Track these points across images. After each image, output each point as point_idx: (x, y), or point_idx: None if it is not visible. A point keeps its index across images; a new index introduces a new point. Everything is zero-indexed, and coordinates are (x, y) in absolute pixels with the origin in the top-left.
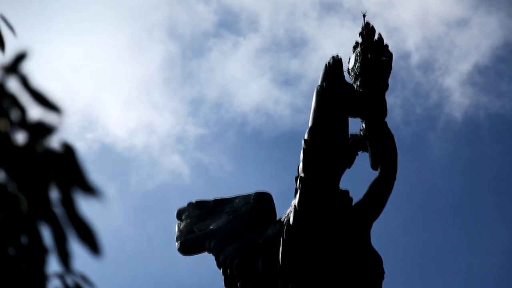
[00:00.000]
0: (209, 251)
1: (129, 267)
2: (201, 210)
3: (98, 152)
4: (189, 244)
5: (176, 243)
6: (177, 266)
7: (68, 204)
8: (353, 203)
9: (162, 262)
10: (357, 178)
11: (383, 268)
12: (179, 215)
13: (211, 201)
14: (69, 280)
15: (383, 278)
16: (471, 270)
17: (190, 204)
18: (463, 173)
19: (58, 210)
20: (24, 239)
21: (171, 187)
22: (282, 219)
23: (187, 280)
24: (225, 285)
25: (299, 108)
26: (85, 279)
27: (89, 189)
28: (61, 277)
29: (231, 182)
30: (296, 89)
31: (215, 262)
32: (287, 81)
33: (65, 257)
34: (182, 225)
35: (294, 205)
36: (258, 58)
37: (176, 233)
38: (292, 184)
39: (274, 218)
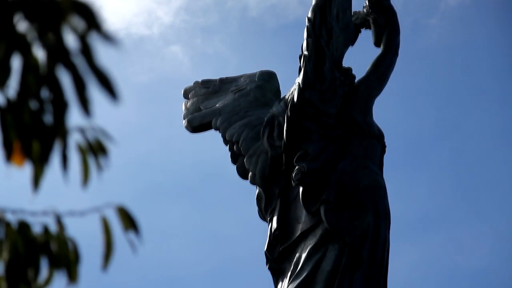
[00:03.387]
0: (216, 129)
1: (131, 148)
2: (207, 88)
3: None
4: (196, 121)
5: (183, 121)
6: (178, 144)
7: (87, 53)
8: (356, 80)
9: (163, 141)
10: (360, 56)
11: (384, 143)
12: (186, 94)
13: (216, 80)
14: (89, 134)
15: (384, 152)
16: (466, 147)
17: (196, 83)
18: (461, 54)
19: (78, 59)
20: (45, 93)
21: (171, 79)
22: (287, 96)
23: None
24: (232, 161)
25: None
26: (104, 133)
27: (106, 36)
28: (81, 131)
29: (232, 73)
30: None
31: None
32: None
33: (85, 104)
34: (188, 103)
35: (298, 83)
36: None
37: (183, 111)
38: (295, 74)
39: (279, 96)
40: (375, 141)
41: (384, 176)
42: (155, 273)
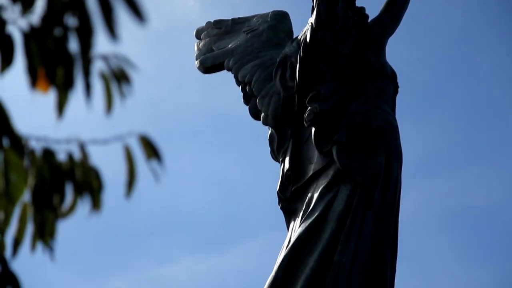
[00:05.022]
0: (228, 69)
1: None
2: (220, 29)
3: None
4: (208, 62)
5: (196, 62)
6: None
7: None
8: (369, 20)
9: (174, 86)
10: None
11: (397, 83)
12: (198, 35)
13: (229, 20)
14: (113, 62)
15: (397, 92)
16: (477, 88)
17: (208, 23)
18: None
19: None
20: (70, 20)
21: (182, 25)
22: (299, 37)
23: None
24: (244, 102)
25: None
26: (128, 62)
27: None
28: (105, 59)
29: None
30: None
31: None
32: None
33: (112, 27)
34: (201, 44)
35: (311, 23)
36: None
37: (196, 51)
38: (307, 14)
39: (291, 36)
40: (388, 81)
41: (396, 116)
42: (165, 216)
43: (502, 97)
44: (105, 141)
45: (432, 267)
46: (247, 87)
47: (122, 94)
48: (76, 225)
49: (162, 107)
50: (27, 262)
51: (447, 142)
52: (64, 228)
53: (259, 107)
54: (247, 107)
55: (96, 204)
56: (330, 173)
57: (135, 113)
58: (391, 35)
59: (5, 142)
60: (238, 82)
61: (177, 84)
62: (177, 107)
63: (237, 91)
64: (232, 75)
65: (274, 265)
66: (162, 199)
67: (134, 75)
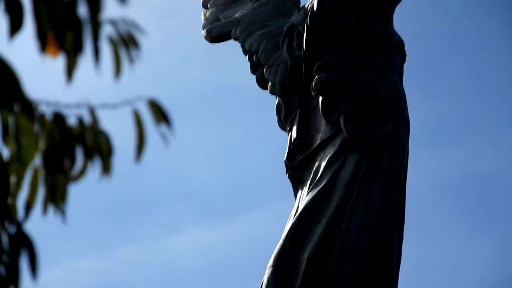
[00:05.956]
0: (235, 39)
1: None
2: None
3: None
4: (215, 31)
5: (203, 31)
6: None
7: None
8: None
9: (180, 58)
10: None
11: (405, 52)
12: (205, 4)
13: None
14: (121, 27)
15: (404, 61)
16: (484, 57)
17: None
18: None
19: None
20: None
21: None
22: (306, 5)
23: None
24: (251, 71)
25: None
26: (136, 26)
27: None
28: (113, 23)
29: None
30: None
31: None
32: None
33: None
34: (207, 13)
35: None
36: None
37: (202, 21)
38: None
39: (298, 5)
40: (395, 50)
41: (403, 85)
42: (172, 187)
43: (509, 65)
44: (114, 106)
45: (438, 235)
46: (254, 57)
47: (131, 59)
48: (85, 195)
49: (169, 79)
50: (35, 234)
51: (454, 111)
52: (73, 198)
53: (266, 76)
54: (253, 79)
55: (106, 168)
56: (338, 142)
57: (142, 83)
58: (398, 3)
59: (16, 106)
60: (245, 52)
61: (184, 55)
62: (183, 79)
63: (244, 63)
64: (239, 44)
65: (281, 234)
66: (169, 170)
67: (143, 41)
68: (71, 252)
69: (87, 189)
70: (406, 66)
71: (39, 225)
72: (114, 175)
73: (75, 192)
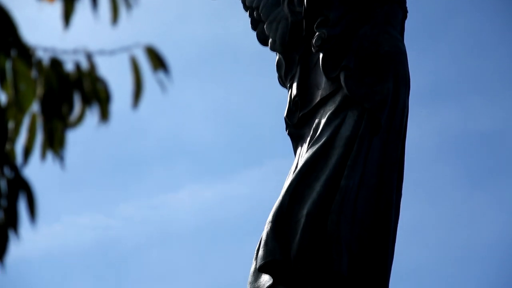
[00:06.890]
0: None
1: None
2: None
3: None
4: None
5: None
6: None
7: None
8: None
9: (178, 17)
10: None
11: (406, 8)
12: None
13: None
14: None
15: (406, 17)
16: (485, 18)
17: None
18: None
19: None
20: None
21: None
22: None
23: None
24: (252, 27)
25: None
26: None
27: None
28: None
29: None
30: None
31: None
32: None
33: None
34: None
35: None
36: None
37: None
38: None
39: None
40: (396, 6)
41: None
42: (170, 144)
43: (508, 26)
44: (111, 52)
45: (437, 192)
46: (254, 12)
47: (128, 4)
48: (84, 149)
49: (168, 36)
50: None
51: (453, 70)
52: (71, 150)
53: (266, 32)
54: (253, 36)
55: (104, 114)
56: (338, 99)
57: (142, 39)
58: None
59: (13, 52)
60: (246, 8)
61: (183, 14)
62: (183, 36)
63: (244, 23)
64: (240, 0)
65: (280, 191)
66: (168, 127)
67: None
68: (70, 207)
69: (86, 141)
70: (406, 26)
71: (39, 180)
72: (111, 129)
73: (74, 143)
